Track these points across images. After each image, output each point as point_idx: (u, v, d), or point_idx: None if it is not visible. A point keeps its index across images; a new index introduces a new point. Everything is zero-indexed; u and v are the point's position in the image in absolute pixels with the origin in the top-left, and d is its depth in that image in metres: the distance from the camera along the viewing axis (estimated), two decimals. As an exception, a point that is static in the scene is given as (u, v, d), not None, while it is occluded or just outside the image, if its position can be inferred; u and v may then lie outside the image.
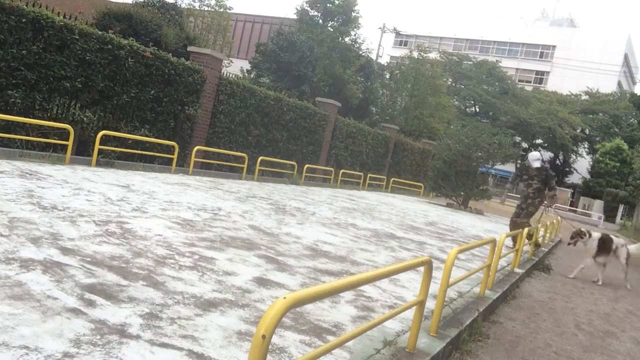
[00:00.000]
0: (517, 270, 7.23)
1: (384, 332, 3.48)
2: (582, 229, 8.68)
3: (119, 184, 7.52)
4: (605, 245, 8.44)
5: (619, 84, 55.92)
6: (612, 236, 8.73)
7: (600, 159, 43.69)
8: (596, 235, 8.58)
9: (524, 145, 50.65)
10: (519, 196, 9.76)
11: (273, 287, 4.02)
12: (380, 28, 37.56)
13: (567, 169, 51.68)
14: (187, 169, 11.33)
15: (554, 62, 57.49)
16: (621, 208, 40.47)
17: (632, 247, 8.97)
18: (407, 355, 3.15)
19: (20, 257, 3.43)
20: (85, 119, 9.57)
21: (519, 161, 51.82)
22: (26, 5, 8.37)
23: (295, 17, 25.15)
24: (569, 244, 8.90)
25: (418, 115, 27.59)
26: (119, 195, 6.51)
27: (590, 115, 47.43)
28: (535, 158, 9.34)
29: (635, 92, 42.65)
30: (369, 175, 20.50)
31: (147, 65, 10.44)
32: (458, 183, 19.03)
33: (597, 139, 48.31)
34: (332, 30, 24.13)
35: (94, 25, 11.39)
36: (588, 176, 47.64)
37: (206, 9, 26.74)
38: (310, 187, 14.79)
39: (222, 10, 26.84)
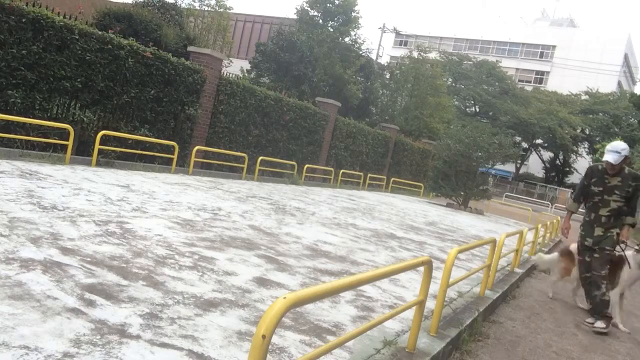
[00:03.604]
0: (517, 270, 7.23)
1: (384, 332, 3.48)
2: None
3: (119, 184, 7.52)
4: None
5: (619, 84, 55.96)
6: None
7: (600, 159, 43.64)
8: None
9: (524, 145, 50.73)
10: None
11: (273, 287, 4.02)
12: (380, 28, 37.57)
13: (567, 169, 51.71)
14: (187, 169, 11.32)
15: (554, 62, 57.53)
16: (621, 208, 40.40)
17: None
18: (407, 355, 3.15)
19: (20, 257, 3.43)
20: (85, 119, 9.57)
21: (519, 161, 51.96)
22: (26, 5, 8.36)
23: (295, 17, 25.14)
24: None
25: (418, 115, 27.59)
26: (119, 195, 6.51)
27: (590, 115, 47.48)
28: (612, 148, 5.33)
29: (635, 92, 42.63)
30: (369, 175, 20.50)
31: (147, 65, 10.44)
32: (458, 183, 19.03)
33: (597, 139, 48.32)
34: (332, 30, 24.13)
35: (94, 25, 11.39)
36: (588, 176, 47.51)
37: (206, 9, 26.73)
38: (310, 187, 14.79)
39: (222, 10, 26.83)
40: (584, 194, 5.75)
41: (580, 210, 6.02)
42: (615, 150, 5.27)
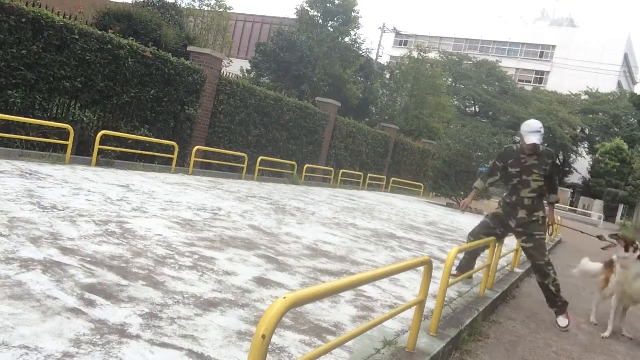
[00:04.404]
0: (517, 270, 7.23)
1: (384, 332, 3.48)
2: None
3: (119, 184, 7.52)
4: None
5: (619, 84, 55.96)
6: None
7: (600, 159, 43.76)
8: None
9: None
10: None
11: (273, 287, 4.02)
12: (380, 28, 37.57)
13: (567, 169, 51.68)
14: (187, 169, 11.32)
15: (554, 62, 57.52)
16: (621, 208, 40.50)
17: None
18: (407, 355, 3.15)
19: (20, 257, 3.43)
20: (85, 119, 9.57)
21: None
22: (26, 5, 8.36)
23: (295, 17, 25.15)
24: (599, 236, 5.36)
25: (418, 115, 27.59)
26: (119, 195, 6.51)
27: (590, 115, 47.50)
28: (532, 128, 5.08)
29: (635, 92, 42.74)
30: (369, 175, 20.50)
31: (147, 65, 10.44)
32: (458, 183, 19.04)
33: (597, 139, 48.36)
34: (332, 30, 24.12)
35: (94, 25, 11.39)
36: (588, 176, 47.70)
37: (206, 9, 26.75)
38: (310, 187, 14.79)
39: (222, 10, 26.84)
40: (492, 176, 5.55)
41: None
42: (537, 130, 5.05)
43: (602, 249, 5.18)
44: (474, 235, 5.56)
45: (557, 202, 5.45)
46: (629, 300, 5.17)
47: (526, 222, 5.23)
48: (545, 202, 5.42)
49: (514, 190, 5.30)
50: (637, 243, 5.02)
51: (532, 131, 5.06)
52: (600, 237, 5.26)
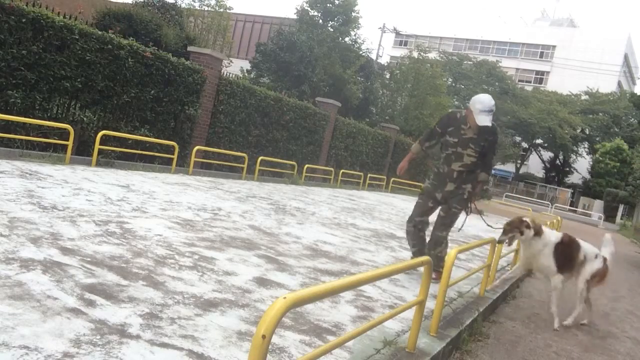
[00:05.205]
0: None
1: (384, 332, 3.48)
2: (525, 218, 5.19)
3: (119, 184, 7.52)
4: (568, 254, 5.19)
5: (619, 84, 55.99)
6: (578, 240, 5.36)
7: (600, 159, 43.81)
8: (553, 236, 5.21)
9: (524, 145, 50.77)
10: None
11: (273, 287, 4.02)
12: (380, 28, 37.58)
13: (567, 169, 51.75)
14: (187, 169, 11.32)
15: (554, 62, 57.54)
16: (621, 208, 40.52)
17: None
18: (407, 355, 3.15)
19: (20, 257, 3.43)
20: (85, 119, 9.56)
21: (519, 161, 51.87)
22: (26, 5, 8.36)
23: (295, 17, 25.16)
24: (499, 241, 5.32)
25: (418, 115, 27.59)
26: (119, 195, 6.51)
27: (590, 115, 47.53)
28: (486, 107, 4.75)
29: (635, 92, 42.75)
30: (369, 175, 20.50)
31: (147, 65, 10.43)
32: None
33: (597, 139, 48.39)
34: (332, 30, 24.14)
35: (94, 25, 11.40)
36: (588, 176, 47.76)
37: (206, 9, 26.77)
38: (310, 187, 14.79)
39: (222, 10, 26.86)
40: (429, 140, 5.29)
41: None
42: (490, 109, 4.71)
43: (508, 244, 5.37)
44: (412, 220, 5.40)
45: (486, 181, 5.26)
46: (537, 271, 5.52)
47: (451, 194, 5.15)
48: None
49: (446, 161, 5.12)
50: (526, 220, 5.15)
51: (485, 110, 4.72)
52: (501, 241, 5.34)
